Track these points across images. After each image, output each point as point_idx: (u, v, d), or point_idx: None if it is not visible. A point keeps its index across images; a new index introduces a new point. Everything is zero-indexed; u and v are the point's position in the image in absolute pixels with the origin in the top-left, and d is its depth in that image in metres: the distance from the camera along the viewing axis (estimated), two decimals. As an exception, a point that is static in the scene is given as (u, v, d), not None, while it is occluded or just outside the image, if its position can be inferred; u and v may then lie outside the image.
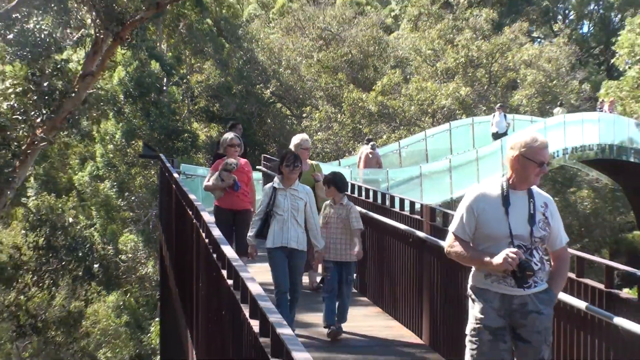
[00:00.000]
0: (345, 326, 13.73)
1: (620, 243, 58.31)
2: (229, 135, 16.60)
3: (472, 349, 6.78)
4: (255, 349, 7.36)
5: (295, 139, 16.49)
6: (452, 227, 7.08)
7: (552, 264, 7.02)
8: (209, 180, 16.14)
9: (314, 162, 16.87)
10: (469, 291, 6.99)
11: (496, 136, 38.42)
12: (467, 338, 6.91)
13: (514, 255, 6.44)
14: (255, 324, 6.97)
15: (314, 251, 12.44)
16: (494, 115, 41.54)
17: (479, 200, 6.94)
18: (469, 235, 6.87)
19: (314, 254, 12.72)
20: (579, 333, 8.59)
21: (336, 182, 13.21)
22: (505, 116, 40.85)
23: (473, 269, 7.00)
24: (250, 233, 12.47)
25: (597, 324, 8.12)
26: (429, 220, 14.00)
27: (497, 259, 6.60)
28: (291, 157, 12.23)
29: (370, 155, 33.09)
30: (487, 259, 6.69)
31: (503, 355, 6.62)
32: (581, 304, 8.21)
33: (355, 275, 14.33)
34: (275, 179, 12.47)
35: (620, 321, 7.53)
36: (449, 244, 7.04)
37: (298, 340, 6.20)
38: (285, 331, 5.95)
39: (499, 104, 45.28)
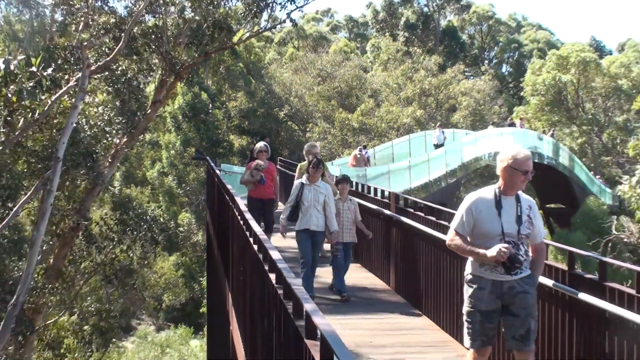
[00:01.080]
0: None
1: None
2: (260, 144, 16.44)
3: (468, 327, 6.45)
4: (272, 293, 7.16)
5: (307, 147, 16.03)
6: (453, 224, 6.69)
7: (533, 254, 6.62)
8: (244, 177, 16.06)
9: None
10: (467, 277, 6.62)
11: (436, 146, 38.83)
12: (464, 317, 6.57)
13: (506, 250, 6.16)
14: (272, 277, 6.93)
15: (328, 232, 11.92)
16: (435, 131, 41.76)
17: (477, 204, 6.53)
18: (468, 232, 6.51)
19: (329, 234, 12.04)
20: (550, 306, 7.99)
21: (349, 182, 13.00)
22: (443, 132, 41.27)
23: (470, 259, 6.62)
24: (283, 216, 12.15)
25: (561, 298, 7.69)
26: (394, 203, 14.11)
27: (492, 252, 6.26)
28: (316, 162, 11.96)
29: (358, 156, 33.05)
30: (483, 251, 6.32)
31: (489, 332, 6.34)
32: (548, 282, 7.75)
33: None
34: (304, 177, 12.18)
35: (583, 296, 7.19)
36: (451, 237, 6.67)
37: (302, 288, 6.11)
38: (293, 281, 5.99)
39: (438, 123, 46.76)
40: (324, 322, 4.63)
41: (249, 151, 42.34)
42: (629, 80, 63.01)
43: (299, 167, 16.34)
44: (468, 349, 6.62)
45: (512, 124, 48.35)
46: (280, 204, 19.14)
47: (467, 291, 6.58)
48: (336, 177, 12.98)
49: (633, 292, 6.78)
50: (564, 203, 50.92)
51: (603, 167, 58.70)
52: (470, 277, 6.59)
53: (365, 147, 40.00)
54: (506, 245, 6.27)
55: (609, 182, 54.90)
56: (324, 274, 14.04)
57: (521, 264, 6.32)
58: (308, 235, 11.81)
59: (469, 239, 6.75)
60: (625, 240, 35.37)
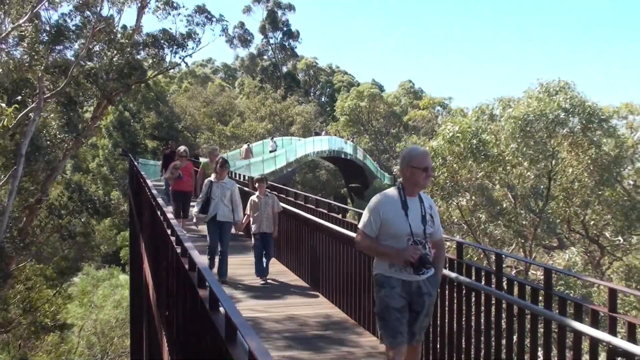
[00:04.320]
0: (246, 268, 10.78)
1: (338, 193, 58.70)
2: (181, 148, 15.22)
3: (383, 324, 4.63)
4: (167, 240, 6.82)
5: (210, 149, 15.70)
6: (361, 225, 4.76)
7: (434, 250, 4.80)
8: (166, 174, 15.00)
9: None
10: (377, 277, 4.75)
11: (271, 151, 38.69)
12: (378, 316, 4.70)
13: (417, 252, 4.46)
14: (173, 238, 6.21)
15: (235, 221, 9.95)
16: (270, 139, 42.17)
17: (384, 204, 4.59)
18: (375, 233, 4.61)
19: (235, 223, 10.07)
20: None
21: (266, 180, 10.59)
22: (275, 142, 41.51)
23: (376, 259, 4.79)
24: (195, 210, 10.26)
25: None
26: (251, 184, 13.79)
27: (403, 254, 4.50)
28: (222, 162, 10.15)
29: (247, 150, 33.34)
30: (394, 252, 4.55)
31: (403, 327, 4.56)
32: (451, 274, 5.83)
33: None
34: (212, 175, 10.18)
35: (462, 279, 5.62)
36: (359, 239, 4.78)
37: (186, 236, 5.77)
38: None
39: (271, 137, 45.13)
40: (198, 256, 4.65)
41: (159, 151, 41.42)
42: (399, 107, 65.09)
43: (202, 164, 15.12)
44: (389, 349, 4.69)
45: (317, 134, 49.15)
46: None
47: (379, 291, 4.73)
48: (256, 177, 10.67)
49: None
50: (360, 183, 51.87)
51: (384, 162, 60.29)
52: (380, 277, 4.73)
53: (250, 143, 40.06)
54: (417, 246, 4.55)
55: (387, 170, 56.49)
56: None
57: (431, 265, 4.62)
58: (217, 225, 9.90)
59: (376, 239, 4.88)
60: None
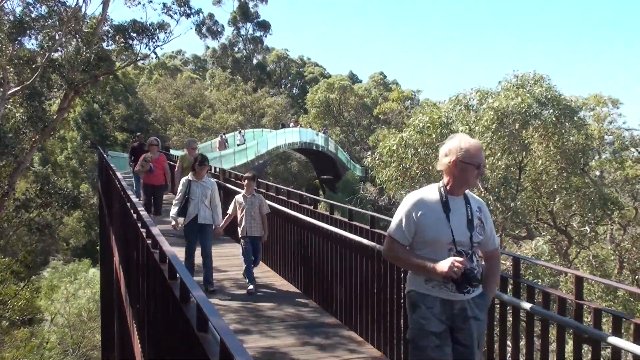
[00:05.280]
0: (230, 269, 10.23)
1: (310, 185, 58.70)
2: (151, 138, 13.84)
3: (418, 354, 3.56)
4: (136, 230, 6.85)
5: (188, 141, 14.01)
6: (390, 230, 3.72)
7: (485, 264, 3.84)
8: (136, 167, 13.55)
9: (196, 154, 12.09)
10: (409, 296, 3.72)
11: (239, 145, 38.51)
12: (412, 344, 3.63)
13: (460, 265, 3.42)
14: (143, 230, 6.08)
15: (214, 225, 8.90)
16: (238, 132, 41.99)
17: (418, 206, 3.59)
18: (409, 240, 3.63)
19: (215, 228, 8.98)
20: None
21: (256, 179, 9.54)
22: (243, 135, 41.27)
23: (410, 273, 3.77)
24: (172, 212, 8.87)
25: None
26: (222, 175, 14.03)
27: (442, 267, 3.45)
28: (201, 159, 8.95)
29: (221, 141, 33.18)
30: (431, 265, 3.50)
31: (448, 358, 3.53)
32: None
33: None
34: (190, 174, 8.91)
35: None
36: (388, 247, 3.75)
37: (151, 220, 5.85)
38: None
39: (239, 130, 44.95)
40: (169, 248, 4.64)
41: (129, 143, 40.83)
42: (370, 99, 65.30)
43: (180, 157, 13.75)
44: None
45: (284, 125, 48.90)
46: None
47: (412, 312, 3.68)
48: (245, 175, 9.39)
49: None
50: (331, 175, 52.05)
51: (355, 153, 60.47)
52: (414, 295, 3.68)
53: (225, 134, 39.87)
54: (460, 259, 3.48)
55: (359, 162, 56.70)
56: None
57: (478, 282, 3.59)
58: (196, 229, 8.72)
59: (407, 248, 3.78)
60: (368, 197, 36.71)
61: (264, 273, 10.03)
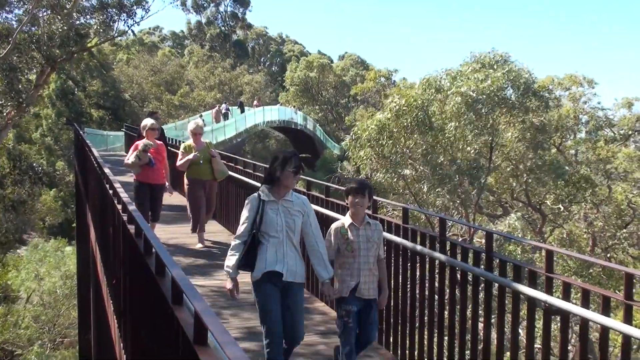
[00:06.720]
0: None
1: None
2: (149, 121, 9.84)
3: None
4: (113, 208, 6.56)
5: (192, 125, 9.92)
6: None
7: None
8: (128, 159, 9.48)
9: (207, 141, 10.08)
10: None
11: (224, 113, 38.83)
12: None
13: None
14: (125, 215, 5.47)
15: (320, 283, 4.79)
16: (224, 103, 42.31)
17: None
18: None
19: (322, 286, 4.74)
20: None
21: (371, 189, 4.92)
22: (228, 106, 41.15)
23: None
24: (230, 263, 4.60)
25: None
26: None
27: None
28: (295, 159, 5.00)
29: (216, 113, 33.69)
30: None
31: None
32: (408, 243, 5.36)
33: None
34: (263, 188, 4.74)
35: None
36: None
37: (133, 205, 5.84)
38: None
39: (224, 102, 45.64)
40: (147, 226, 4.61)
41: (105, 121, 40.38)
42: (348, 77, 65.11)
43: (184, 146, 10.01)
44: None
45: (241, 104, 48.51)
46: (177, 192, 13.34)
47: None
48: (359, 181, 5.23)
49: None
50: (310, 153, 52.08)
51: (333, 132, 60.46)
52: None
53: (220, 105, 40.05)
54: None
55: (337, 141, 56.77)
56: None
57: None
58: (277, 289, 4.56)
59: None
60: (345, 176, 36.85)
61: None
